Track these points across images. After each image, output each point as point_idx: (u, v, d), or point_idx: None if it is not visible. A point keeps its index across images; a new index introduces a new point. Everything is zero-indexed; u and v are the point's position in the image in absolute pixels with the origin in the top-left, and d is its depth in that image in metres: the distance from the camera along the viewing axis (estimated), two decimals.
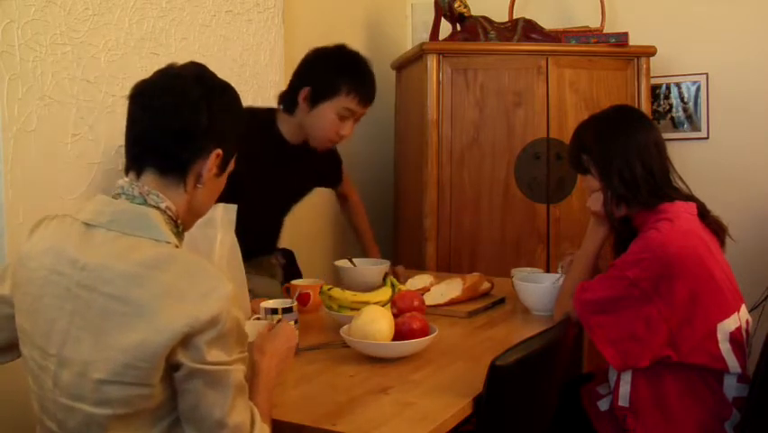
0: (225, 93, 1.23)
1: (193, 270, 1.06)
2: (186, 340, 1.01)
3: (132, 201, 1.13)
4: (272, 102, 2.70)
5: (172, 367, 1.04)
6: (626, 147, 1.73)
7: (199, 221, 1.31)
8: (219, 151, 1.18)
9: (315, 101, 1.99)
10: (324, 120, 2.00)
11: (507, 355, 1.30)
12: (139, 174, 1.16)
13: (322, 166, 2.28)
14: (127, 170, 1.18)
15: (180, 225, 1.18)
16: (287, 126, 2.08)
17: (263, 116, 2.10)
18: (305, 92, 2.00)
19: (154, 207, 1.13)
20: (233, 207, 1.65)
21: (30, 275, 1.13)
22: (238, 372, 1.06)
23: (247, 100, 2.50)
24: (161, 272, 1.04)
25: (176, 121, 1.14)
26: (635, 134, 1.74)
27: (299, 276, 2.29)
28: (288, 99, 2.07)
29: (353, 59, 2.05)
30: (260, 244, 2.16)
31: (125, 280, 1.04)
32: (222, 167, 1.21)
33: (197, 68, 1.23)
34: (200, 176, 1.18)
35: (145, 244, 1.08)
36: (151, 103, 1.15)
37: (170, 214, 1.15)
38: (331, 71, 2.01)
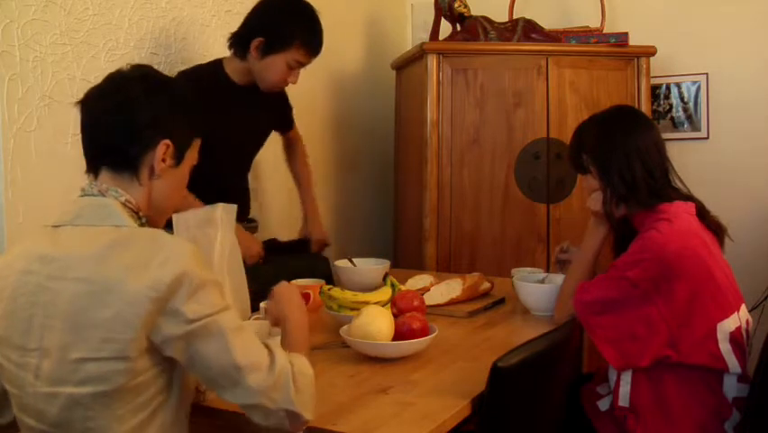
0: (167, 87, 1.27)
1: (152, 241, 1.11)
2: (161, 307, 1.05)
3: None
4: None
5: (162, 344, 1.07)
6: (626, 147, 1.73)
7: (199, 221, 1.32)
8: (167, 141, 1.21)
9: (266, 52, 2.03)
10: (274, 70, 2.06)
11: (508, 357, 1.30)
12: (96, 175, 1.21)
13: (272, 108, 2.32)
14: (88, 173, 1.23)
15: (143, 217, 1.21)
16: (235, 69, 2.11)
17: (209, 66, 2.13)
18: (257, 42, 2.02)
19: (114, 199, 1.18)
20: (233, 207, 1.65)
21: (1, 284, 1.15)
22: (226, 317, 1.10)
23: None
24: (123, 250, 1.09)
25: (118, 118, 1.18)
26: (636, 135, 1.74)
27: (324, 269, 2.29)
28: (239, 45, 2.09)
29: (308, 14, 2.09)
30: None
31: (90, 262, 1.08)
32: (176, 157, 1.24)
33: (141, 68, 1.28)
34: (153, 168, 1.21)
35: (107, 230, 1.13)
36: (96, 105, 1.21)
37: (131, 207, 1.19)
38: (285, 25, 2.05)
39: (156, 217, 1.27)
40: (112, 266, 1.07)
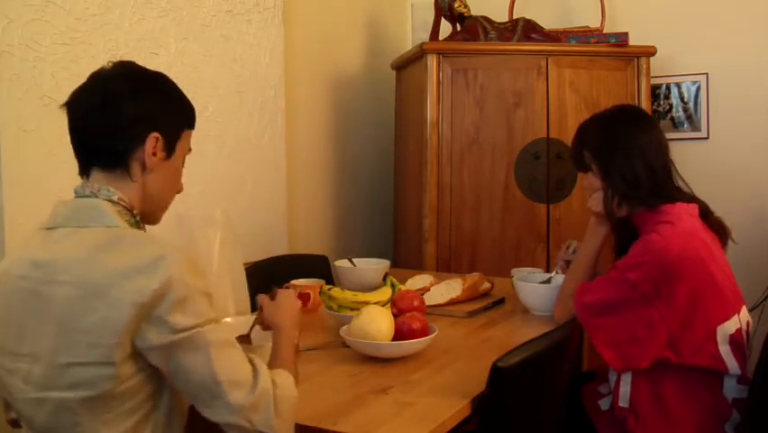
0: (150, 81, 1.26)
1: (139, 245, 1.10)
2: (146, 313, 1.03)
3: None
4: (274, 101, 2.70)
5: (146, 352, 1.05)
6: (628, 146, 1.72)
7: (199, 222, 1.31)
8: (155, 134, 1.20)
9: None
10: None
11: (508, 357, 1.30)
12: (88, 175, 1.20)
13: None
14: (81, 175, 1.22)
15: (137, 215, 1.21)
16: None
17: None
18: None
19: (106, 200, 1.17)
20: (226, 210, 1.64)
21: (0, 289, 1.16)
22: (212, 331, 1.08)
23: (247, 100, 2.51)
24: (110, 253, 1.08)
25: (103, 117, 1.17)
26: (638, 134, 1.73)
27: None
28: None
29: None
30: None
31: (78, 265, 1.07)
32: (167, 149, 1.23)
33: (123, 64, 1.26)
34: (144, 163, 1.20)
35: (97, 231, 1.12)
36: (81, 106, 1.19)
37: (124, 204, 1.18)
38: None
39: (152, 213, 1.26)
40: (99, 270, 1.06)
